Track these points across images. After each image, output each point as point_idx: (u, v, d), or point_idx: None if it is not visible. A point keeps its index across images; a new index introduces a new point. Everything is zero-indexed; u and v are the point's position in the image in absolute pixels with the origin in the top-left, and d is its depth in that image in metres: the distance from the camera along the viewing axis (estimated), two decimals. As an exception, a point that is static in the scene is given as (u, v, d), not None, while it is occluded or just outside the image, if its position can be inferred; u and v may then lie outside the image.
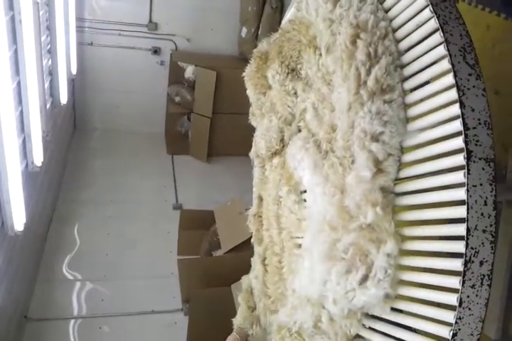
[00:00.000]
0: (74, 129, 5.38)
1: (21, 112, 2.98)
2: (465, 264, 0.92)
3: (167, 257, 3.71)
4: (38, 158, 3.29)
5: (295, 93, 1.75)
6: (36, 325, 3.16)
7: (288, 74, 1.81)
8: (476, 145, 0.93)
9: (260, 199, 2.05)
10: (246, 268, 2.72)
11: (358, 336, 1.26)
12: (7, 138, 2.46)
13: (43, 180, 3.59)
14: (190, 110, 5.00)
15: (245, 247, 3.02)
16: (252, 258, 2.05)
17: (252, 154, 2.12)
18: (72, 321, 3.28)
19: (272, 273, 1.74)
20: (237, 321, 1.92)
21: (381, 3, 1.27)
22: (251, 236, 2.79)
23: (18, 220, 2.72)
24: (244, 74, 2.13)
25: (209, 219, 3.56)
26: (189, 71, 4.81)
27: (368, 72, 1.13)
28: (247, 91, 2.15)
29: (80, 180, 4.60)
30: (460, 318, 0.94)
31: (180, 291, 3.32)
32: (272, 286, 1.71)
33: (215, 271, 3.09)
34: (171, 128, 5.27)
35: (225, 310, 2.65)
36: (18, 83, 2.87)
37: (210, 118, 4.83)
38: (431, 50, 1.07)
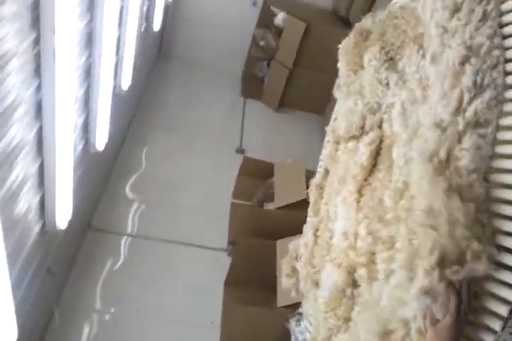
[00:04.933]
0: (158, 55, 5.52)
1: (119, 36, 3.11)
2: None
3: (222, 197, 3.88)
4: (126, 81, 3.46)
5: (387, 84, 1.77)
6: (96, 234, 3.47)
7: (385, 61, 1.81)
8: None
9: (326, 171, 2.13)
10: (293, 228, 2.87)
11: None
12: (105, 59, 2.59)
13: (125, 103, 3.78)
14: (271, 56, 5.00)
15: (297, 207, 3.16)
16: (304, 225, 2.18)
17: (328, 128, 2.16)
18: (125, 238, 3.58)
19: (321, 246, 1.87)
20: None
21: (501, 27, 1.26)
22: (304, 199, 2.93)
23: (101, 140, 2.92)
24: (340, 46, 2.13)
25: (268, 171, 3.70)
26: (279, 18, 4.74)
27: (470, 102, 1.16)
28: (338, 64, 2.15)
29: (155, 107, 4.80)
30: None
31: (227, 233, 3.56)
32: (319, 258, 1.86)
33: (264, 222, 3.26)
34: (249, 71, 5.31)
35: (266, 261, 2.85)
36: (122, 7, 2.97)
37: (289, 69, 4.82)
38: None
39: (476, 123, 1.14)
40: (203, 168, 4.29)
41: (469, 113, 1.14)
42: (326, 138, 2.26)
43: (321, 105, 4.93)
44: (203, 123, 4.79)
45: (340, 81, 2.15)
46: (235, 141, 4.67)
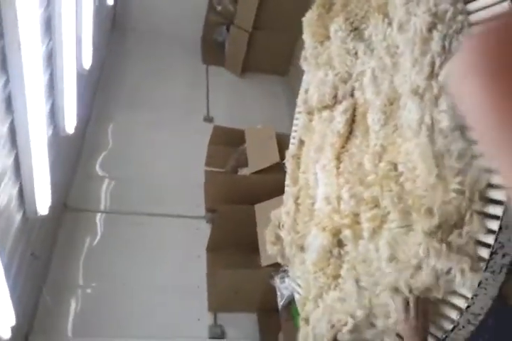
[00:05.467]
0: (113, 29, 5.33)
1: (76, 16, 3.00)
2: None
3: (194, 167, 3.87)
4: (87, 60, 3.37)
5: (355, 53, 1.81)
6: (72, 214, 3.45)
7: (351, 31, 1.85)
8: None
9: (301, 142, 2.18)
10: (270, 191, 2.95)
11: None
12: (66, 42, 2.52)
13: (88, 81, 3.69)
14: (230, 21, 4.92)
15: (271, 171, 3.23)
16: (284, 195, 2.24)
17: (299, 100, 2.19)
18: (100, 214, 3.56)
19: (303, 213, 1.95)
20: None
21: (462, -7, 1.32)
22: (278, 162, 2.98)
23: (70, 123, 2.87)
24: (303, 19, 2.16)
25: (239, 138, 3.71)
26: (235, -19, 4.66)
27: (441, 66, 1.23)
28: (303, 36, 2.17)
29: (116, 82, 4.67)
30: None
31: (204, 201, 3.59)
32: (302, 224, 1.94)
33: (240, 188, 3.29)
34: (208, 37, 5.21)
35: (246, 226, 2.92)
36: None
37: (249, 33, 4.75)
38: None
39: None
40: (172, 139, 4.25)
41: (442, 76, 1.22)
42: (297, 110, 2.30)
43: (283, 66, 4.94)
44: (167, 94, 4.69)
45: (307, 53, 2.16)
46: (202, 109, 4.63)
